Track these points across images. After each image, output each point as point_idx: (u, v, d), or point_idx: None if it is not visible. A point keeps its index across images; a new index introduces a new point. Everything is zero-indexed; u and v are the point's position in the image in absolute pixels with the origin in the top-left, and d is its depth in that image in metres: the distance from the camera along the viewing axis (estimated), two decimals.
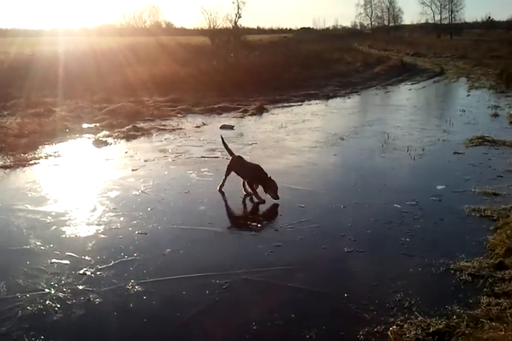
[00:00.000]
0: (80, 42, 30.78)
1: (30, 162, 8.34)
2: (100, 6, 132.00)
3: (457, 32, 73.42)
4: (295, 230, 5.49)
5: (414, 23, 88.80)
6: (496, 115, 12.59)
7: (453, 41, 56.35)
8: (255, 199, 6.40)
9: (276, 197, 6.25)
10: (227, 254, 4.93)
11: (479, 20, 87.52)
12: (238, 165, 6.71)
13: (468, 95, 17.19)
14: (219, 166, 7.95)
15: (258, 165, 6.56)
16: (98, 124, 11.64)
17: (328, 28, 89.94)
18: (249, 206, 6.39)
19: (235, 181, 6.64)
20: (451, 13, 76.14)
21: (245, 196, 6.55)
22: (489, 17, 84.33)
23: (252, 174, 6.48)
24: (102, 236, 5.30)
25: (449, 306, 3.83)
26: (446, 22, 76.86)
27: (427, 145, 9.33)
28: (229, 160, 6.83)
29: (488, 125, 11.33)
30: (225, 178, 6.75)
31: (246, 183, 6.61)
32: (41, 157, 8.67)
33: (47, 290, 4.19)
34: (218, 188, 6.74)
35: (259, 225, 5.71)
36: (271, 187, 6.27)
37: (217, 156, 8.68)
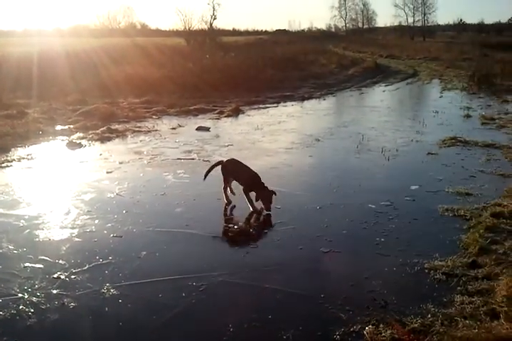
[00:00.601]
0: (54, 43, 30.45)
1: (3, 165, 8.19)
2: (74, 6, 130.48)
3: (430, 34, 74.57)
4: (271, 231, 5.51)
5: (388, 25, 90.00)
6: (468, 116, 12.81)
7: (426, 43, 57.12)
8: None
9: (269, 209, 6.00)
10: (204, 256, 4.91)
11: (451, 22, 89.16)
12: (234, 168, 6.34)
13: (441, 96, 17.44)
14: (195, 168, 7.94)
15: (256, 173, 6.24)
16: (72, 126, 11.51)
17: (303, 30, 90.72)
18: (226, 208, 6.35)
19: (210, 183, 6.60)
20: (424, 15, 77.25)
21: (226, 205, 6.32)
22: (461, 20, 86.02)
23: (251, 181, 6.16)
24: (77, 239, 5.23)
25: (424, 305, 3.88)
26: (419, 24, 77.96)
27: (401, 146, 9.44)
28: (220, 166, 6.41)
29: (461, 126, 11.51)
30: (226, 185, 6.39)
31: (229, 188, 6.39)
32: (14, 159, 8.52)
33: (20, 294, 4.12)
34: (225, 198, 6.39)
35: (235, 227, 5.70)
36: (266, 197, 6.00)
37: (193, 158, 8.65)
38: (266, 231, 5.57)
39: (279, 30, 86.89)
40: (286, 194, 6.62)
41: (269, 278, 4.43)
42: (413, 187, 6.90)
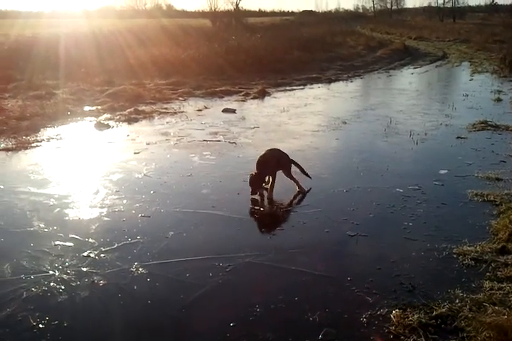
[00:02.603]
0: (81, 24, 30.60)
1: (33, 144, 8.33)
2: None
3: (460, 16, 72.68)
4: (298, 214, 5.51)
5: (417, 6, 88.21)
6: (498, 100, 12.55)
7: (456, 25, 55.83)
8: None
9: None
10: (230, 238, 4.93)
11: (482, 3, 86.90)
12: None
13: (471, 80, 17.09)
14: (221, 150, 7.97)
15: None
16: (100, 107, 11.60)
17: (330, 11, 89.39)
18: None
19: (236, 165, 6.62)
20: None
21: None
22: (493, 0, 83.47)
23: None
24: (106, 218, 5.31)
25: (452, 290, 3.85)
26: (449, 5, 75.93)
27: (430, 130, 9.30)
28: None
29: (491, 110, 11.27)
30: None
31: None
32: (43, 140, 8.66)
33: (51, 272, 4.21)
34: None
35: (261, 209, 5.72)
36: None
37: (219, 140, 8.66)
38: (292, 213, 5.56)
39: (306, 11, 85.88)
40: (312, 177, 6.58)
41: (296, 260, 4.43)
42: (442, 172, 6.81)
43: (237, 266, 4.32)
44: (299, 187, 6.19)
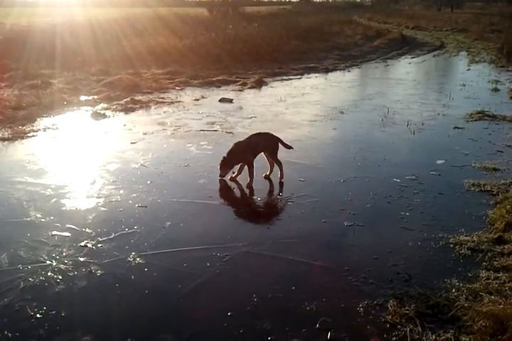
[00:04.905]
0: (76, 13, 30.39)
1: (29, 134, 8.29)
2: None
3: (458, 5, 72.17)
4: (295, 204, 5.51)
5: None
6: (496, 89, 12.54)
7: (453, 14, 55.46)
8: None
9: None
10: (228, 228, 4.95)
11: None
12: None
13: (468, 69, 17.06)
14: (218, 139, 7.95)
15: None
16: (96, 97, 11.54)
17: (327, 0, 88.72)
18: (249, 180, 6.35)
19: None
20: None
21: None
22: None
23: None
24: (102, 208, 5.30)
25: (448, 280, 3.87)
26: None
27: (427, 120, 9.29)
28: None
29: (489, 99, 11.26)
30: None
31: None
32: (39, 129, 8.62)
33: (48, 262, 4.21)
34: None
35: (259, 199, 5.72)
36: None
37: (216, 129, 8.64)
38: (289, 203, 5.56)
39: (303, 0, 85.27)
40: (309, 167, 6.60)
41: (293, 250, 4.44)
42: (439, 162, 6.82)
43: (235, 255, 4.33)
44: (281, 175, 6.21)
